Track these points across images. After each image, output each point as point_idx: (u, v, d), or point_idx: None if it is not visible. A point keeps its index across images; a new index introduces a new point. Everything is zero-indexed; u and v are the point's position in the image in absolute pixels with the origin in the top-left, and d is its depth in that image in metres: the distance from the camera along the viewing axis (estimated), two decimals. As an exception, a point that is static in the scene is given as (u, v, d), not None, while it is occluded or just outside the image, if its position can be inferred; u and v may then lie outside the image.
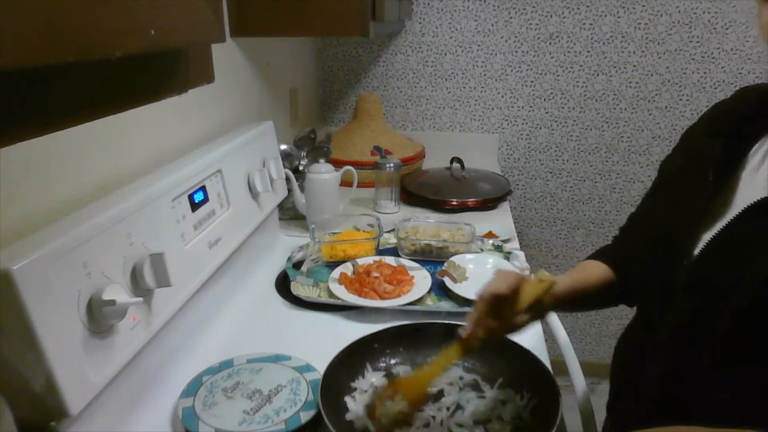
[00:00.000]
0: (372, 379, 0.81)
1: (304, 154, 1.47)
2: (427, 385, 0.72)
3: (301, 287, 1.07)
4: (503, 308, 0.72)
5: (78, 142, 0.80)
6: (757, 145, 0.65)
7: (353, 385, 0.79)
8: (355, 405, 0.75)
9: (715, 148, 0.67)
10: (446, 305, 1.02)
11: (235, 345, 0.93)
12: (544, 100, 2.05)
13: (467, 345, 0.72)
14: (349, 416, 0.74)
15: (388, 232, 1.31)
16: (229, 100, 1.30)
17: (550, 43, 1.97)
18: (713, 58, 1.92)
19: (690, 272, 0.64)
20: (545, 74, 2.01)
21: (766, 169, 0.62)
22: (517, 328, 0.74)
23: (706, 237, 0.64)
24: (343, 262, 1.15)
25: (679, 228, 0.67)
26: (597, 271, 0.85)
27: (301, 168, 1.44)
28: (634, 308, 0.81)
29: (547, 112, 2.06)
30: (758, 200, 0.60)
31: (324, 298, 1.05)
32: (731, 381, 0.60)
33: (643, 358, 0.71)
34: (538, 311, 0.76)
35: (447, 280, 1.06)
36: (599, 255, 0.89)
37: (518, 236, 1.38)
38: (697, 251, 0.64)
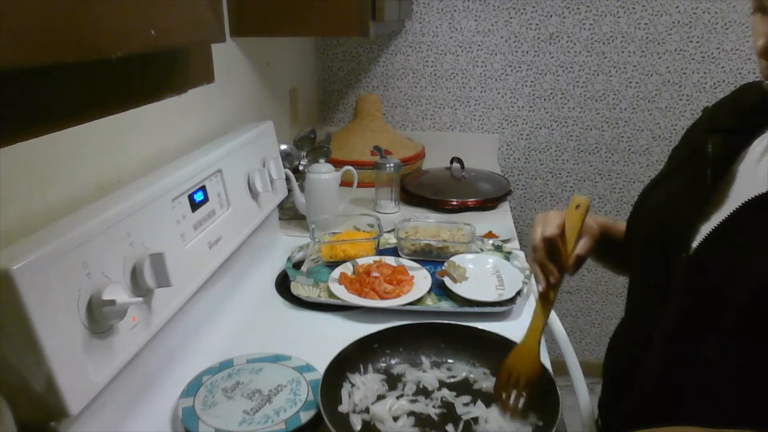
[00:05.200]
0: (371, 378, 0.81)
1: (304, 154, 1.47)
2: (536, 350, 0.76)
3: (301, 287, 1.07)
4: (558, 248, 0.75)
5: (78, 142, 0.80)
6: (757, 140, 0.65)
7: (352, 381, 0.79)
8: (350, 399, 0.76)
9: (714, 144, 0.68)
10: (446, 305, 1.02)
11: (235, 345, 0.93)
12: (544, 100, 2.05)
13: (546, 297, 0.75)
14: (341, 408, 0.74)
15: (388, 232, 1.31)
16: (229, 100, 1.30)
17: (550, 43, 1.97)
18: (713, 58, 1.92)
19: (689, 265, 0.64)
20: (545, 74, 2.01)
21: (765, 164, 0.62)
22: (579, 259, 0.76)
23: (705, 230, 0.64)
24: (343, 262, 1.15)
25: (678, 220, 0.67)
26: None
27: (301, 168, 1.44)
28: None
29: (547, 112, 2.06)
30: (758, 195, 0.60)
31: (324, 298, 1.05)
32: (728, 375, 0.60)
33: (638, 353, 0.71)
34: (591, 237, 0.78)
35: (447, 280, 1.06)
36: None
37: (518, 236, 1.38)
38: (695, 244, 0.65)
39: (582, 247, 0.75)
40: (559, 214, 0.76)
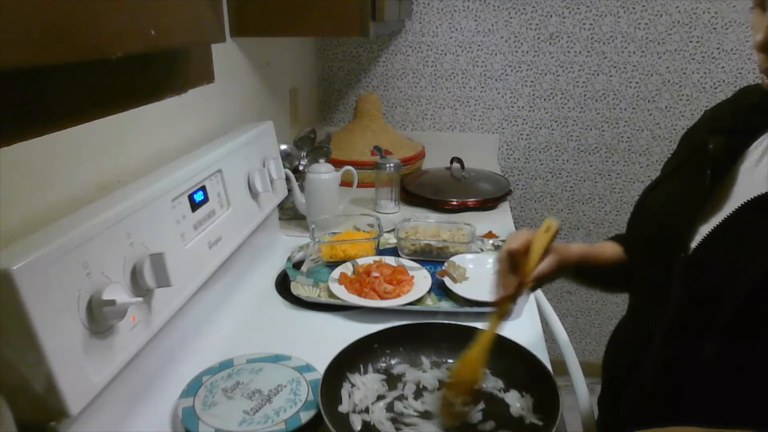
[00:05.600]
0: (371, 378, 0.81)
1: (304, 154, 1.47)
2: (480, 364, 0.75)
3: (301, 287, 1.07)
4: (520, 264, 0.76)
5: (78, 142, 0.80)
6: (757, 141, 0.66)
7: (352, 381, 0.79)
8: (350, 399, 0.76)
9: (715, 144, 0.68)
10: (446, 305, 1.02)
11: (235, 345, 0.93)
12: (544, 100, 2.04)
13: (502, 309, 0.76)
14: (341, 408, 0.74)
15: (388, 232, 1.31)
16: (229, 100, 1.30)
17: (550, 43, 1.97)
18: (713, 58, 1.92)
19: (688, 265, 0.64)
20: (545, 74, 2.01)
21: (765, 165, 0.62)
22: (542, 277, 0.77)
23: (704, 230, 0.64)
24: (343, 262, 1.15)
25: (677, 221, 0.68)
26: (612, 249, 0.87)
27: (301, 168, 1.44)
28: None
29: (547, 112, 2.06)
30: (758, 195, 0.60)
31: (324, 298, 1.05)
32: (727, 374, 0.60)
33: (638, 352, 0.71)
34: (557, 259, 0.78)
35: (447, 280, 1.06)
36: (618, 237, 0.91)
37: (518, 236, 1.38)
38: (694, 244, 0.65)
39: (542, 266, 0.76)
40: (527, 233, 0.77)
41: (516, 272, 0.76)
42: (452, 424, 0.73)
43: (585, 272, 0.87)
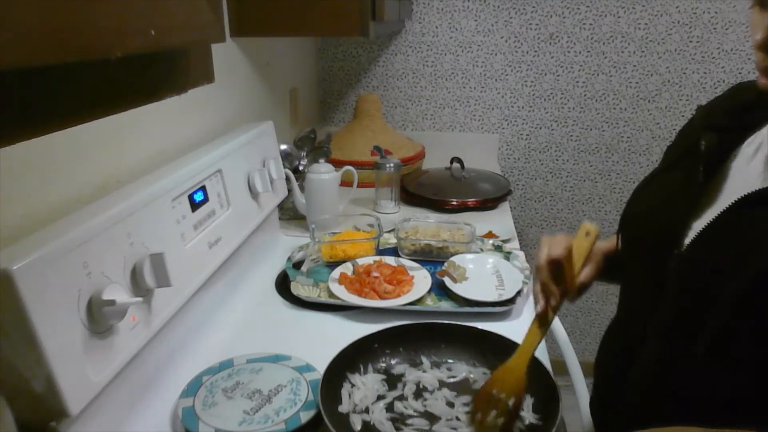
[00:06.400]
0: (371, 378, 0.81)
1: (304, 154, 1.47)
2: (524, 371, 0.72)
3: (301, 287, 1.07)
4: (563, 271, 0.74)
5: (78, 142, 0.80)
6: (750, 138, 0.66)
7: (352, 381, 0.80)
8: (350, 399, 0.76)
9: (708, 141, 0.68)
10: (446, 305, 1.02)
11: (235, 345, 0.93)
12: (544, 100, 2.04)
13: (544, 318, 0.74)
14: (341, 408, 0.74)
15: (388, 232, 1.31)
16: (229, 100, 1.30)
17: (550, 43, 1.97)
18: (713, 58, 1.92)
19: (681, 261, 0.64)
20: (545, 74, 2.01)
21: (759, 162, 0.63)
22: (583, 286, 0.76)
23: (697, 226, 0.64)
24: (343, 262, 1.15)
25: (670, 217, 0.68)
26: None
27: (301, 168, 1.44)
28: None
29: (547, 112, 2.06)
30: (751, 192, 0.60)
31: (324, 298, 1.05)
32: (721, 372, 0.60)
33: (631, 350, 0.71)
34: (596, 264, 0.78)
35: (447, 280, 1.06)
36: None
37: (518, 236, 1.38)
38: (687, 240, 0.65)
39: (585, 274, 0.76)
40: (566, 238, 0.76)
41: (558, 281, 0.74)
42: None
43: (608, 271, 0.86)
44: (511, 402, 0.70)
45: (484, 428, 0.70)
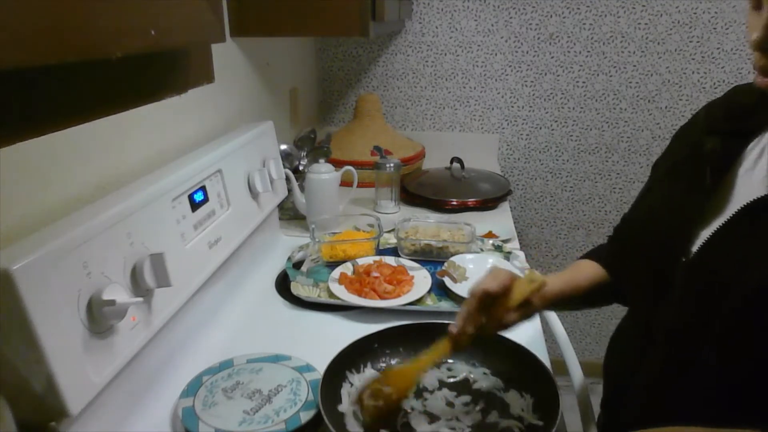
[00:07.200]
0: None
1: (304, 154, 1.47)
2: (416, 378, 0.74)
3: (301, 287, 1.07)
4: (493, 306, 0.74)
5: (78, 142, 0.80)
6: (753, 143, 0.65)
7: (352, 381, 0.80)
8: (350, 398, 0.76)
9: (712, 146, 0.68)
10: (446, 305, 1.02)
11: (235, 345, 0.93)
12: (544, 100, 2.04)
13: (457, 342, 0.73)
14: (341, 408, 0.74)
15: (388, 232, 1.31)
16: (229, 100, 1.30)
17: (550, 43, 1.97)
18: (713, 58, 1.92)
19: (689, 269, 0.64)
20: (545, 74, 2.01)
21: (762, 167, 0.62)
22: (506, 325, 0.76)
23: (704, 234, 0.64)
24: (343, 262, 1.15)
25: (677, 225, 0.67)
26: (590, 272, 0.85)
27: (301, 168, 1.44)
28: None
29: (547, 112, 2.06)
30: (756, 198, 0.60)
31: (324, 298, 1.05)
32: (727, 376, 0.60)
33: (638, 355, 0.71)
34: (527, 310, 0.77)
35: (447, 280, 1.06)
36: (593, 254, 0.89)
37: (518, 236, 1.38)
38: (695, 248, 0.64)
39: (512, 317, 0.75)
40: (508, 276, 0.74)
41: (484, 312, 0.73)
42: (368, 420, 0.71)
43: (564, 305, 0.86)
44: (393, 396, 0.71)
45: (364, 407, 0.71)
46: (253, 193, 1.11)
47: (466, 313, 0.73)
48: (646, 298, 0.73)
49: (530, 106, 2.06)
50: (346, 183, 1.39)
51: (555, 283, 0.81)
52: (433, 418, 0.75)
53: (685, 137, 0.78)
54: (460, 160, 1.71)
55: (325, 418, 0.67)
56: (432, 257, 1.20)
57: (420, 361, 0.74)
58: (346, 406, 0.75)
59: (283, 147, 1.40)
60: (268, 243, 1.26)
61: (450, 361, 0.85)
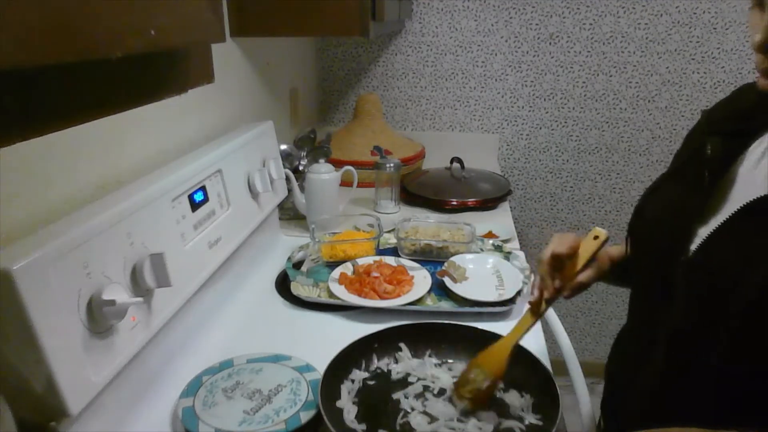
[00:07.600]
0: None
1: (304, 154, 1.47)
2: (506, 354, 0.76)
3: (301, 287, 1.07)
4: (564, 268, 0.77)
5: (78, 142, 0.80)
6: (756, 143, 0.65)
7: (351, 378, 0.80)
8: (349, 395, 0.76)
9: (713, 146, 0.68)
10: (446, 305, 1.02)
11: (235, 345, 0.93)
12: (544, 100, 2.05)
13: (537, 309, 0.77)
14: (339, 404, 0.74)
15: (388, 232, 1.31)
16: (229, 100, 1.30)
17: (550, 43, 1.97)
18: (713, 58, 1.92)
19: (688, 267, 0.64)
20: (545, 74, 2.01)
21: (764, 167, 0.62)
22: (582, 285, 0.78)
23: (703, 232, 0.64)
24: (343, 262, 1.15)
25: (677, 223, 0.67)
26: None
27: (301, 168, 1.44)
28: None
29: (547, 112, 2.06)
30: (757, 198, 0.60)
31: (324, 298, 1.05)
32: (729, 377, 0.60)
33: (639, 356, 0.71)
34: (597, 269, 0.80)
35: (447, 280, 1.06)
36: None
37: (518, 236, 1.38)
38: (694, 247, 0.65)
39: (585, 275, 0.77)
40: (575, 238, 0.78)
41: (557, 276, 0.76)
42: (468, 405, 0.75)
43: (621, 275, 0.87)
44: (486, 383, 0.75)
45: (460, 396, 0.76)
46: (253, 193, 1.11)
47: (540, 280, 0.77)
48: (649, 298, 0.73)
49: (530, 106, 2.06)
50: (346, 183, 1.39)
51: (613, 251, 0.84)
52: (433, 418, 0.75)
53: (690, 137, 0.79)
54: (460, 160, 1.71)
55: (325, 418, 0.67)
56: (432, 257, 1.20)
57: (507, 339, 0.78)
58: (344, 401, 0.75)
59: (283, 147, 1.40)
60: (268, 243, 1.26)
61: (450, 360, 0.85)
